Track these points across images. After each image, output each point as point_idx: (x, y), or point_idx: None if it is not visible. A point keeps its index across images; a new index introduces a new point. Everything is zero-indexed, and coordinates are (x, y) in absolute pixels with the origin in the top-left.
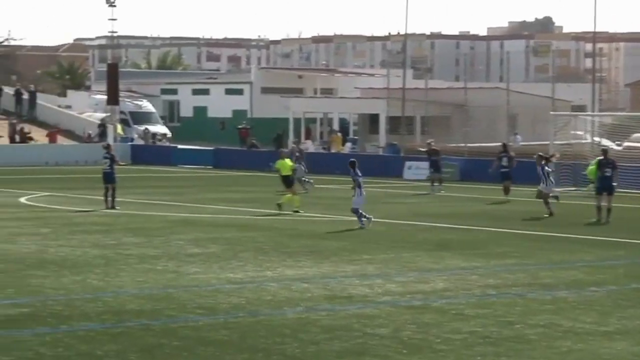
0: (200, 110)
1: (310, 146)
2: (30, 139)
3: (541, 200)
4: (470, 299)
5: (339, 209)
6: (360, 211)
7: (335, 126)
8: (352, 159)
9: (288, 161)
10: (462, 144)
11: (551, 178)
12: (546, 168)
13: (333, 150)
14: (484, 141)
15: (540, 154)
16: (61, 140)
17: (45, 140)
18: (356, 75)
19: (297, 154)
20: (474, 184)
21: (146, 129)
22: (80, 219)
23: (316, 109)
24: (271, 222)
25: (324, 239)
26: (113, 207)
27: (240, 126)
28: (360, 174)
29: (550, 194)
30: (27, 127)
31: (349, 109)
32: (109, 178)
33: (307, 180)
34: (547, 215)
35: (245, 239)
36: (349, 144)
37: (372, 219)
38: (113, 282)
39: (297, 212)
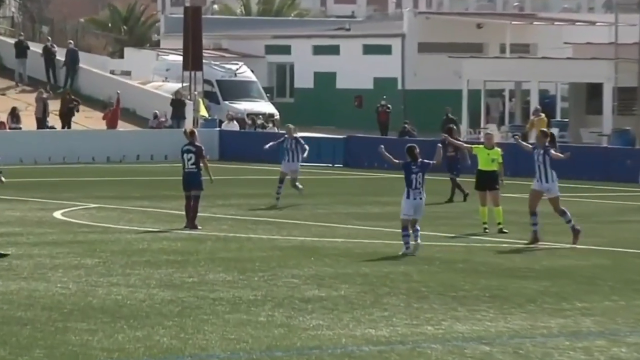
0: (325, 79)
1: (494, 132)
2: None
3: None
4: None
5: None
6: (417, 227)
7: (534, 101)
8: (410, 144)
9: (497, 150)
10: None
11: (551, 172)
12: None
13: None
14: None
15: (545, 129)
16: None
17: (95, 123)
18: (566, 23)
19: (293, 144)
20: None
21: (252, 117)
22: (144, 245)
23: (504, 75)
24: (433, 250)
25: (515, 276)
26: (193, 227)
27: (378, 106)
28: (416, 169)
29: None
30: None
31: (554, 75)
32: (192, 182)
33: (298, 185)
34: (527, 242)
35: (393, 276)
36: (555, 130)
37: (421, 243)
38: (193, 340)
39: (501, 230)
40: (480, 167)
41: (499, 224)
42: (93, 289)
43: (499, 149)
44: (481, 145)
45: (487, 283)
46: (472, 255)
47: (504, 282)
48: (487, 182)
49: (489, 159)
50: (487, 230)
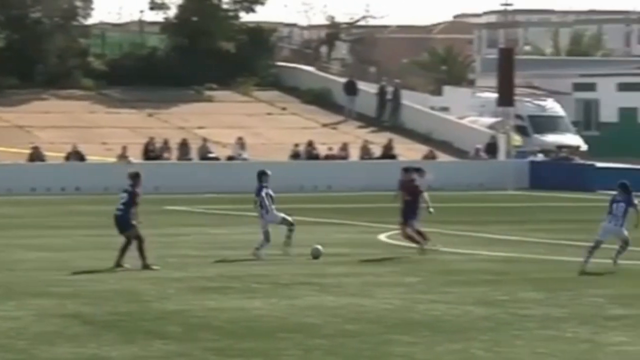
0: (628, 114)
1: None
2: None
3: None
4: None
5: None
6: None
7: None
8: None
9: None
10: None
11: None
12: None
13: None
14: None
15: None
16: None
17: (415, 155)
18: None
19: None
20: None
21: (559, 148)
22: (459, 265)
23: None
24: None
25: None
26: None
27: None
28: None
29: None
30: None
31: None
32: (120, 224)
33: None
34: None
35: None
36: None
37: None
38: (505, 354)
39: None
40: None
41: None
42: (414, 305)
43: None
44: None
45: None
46: None
47: None
48: None
49: None
50: None
